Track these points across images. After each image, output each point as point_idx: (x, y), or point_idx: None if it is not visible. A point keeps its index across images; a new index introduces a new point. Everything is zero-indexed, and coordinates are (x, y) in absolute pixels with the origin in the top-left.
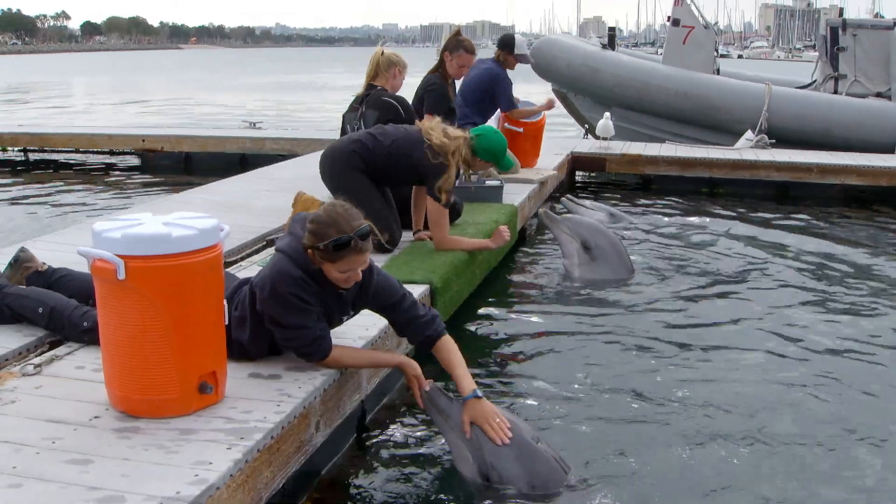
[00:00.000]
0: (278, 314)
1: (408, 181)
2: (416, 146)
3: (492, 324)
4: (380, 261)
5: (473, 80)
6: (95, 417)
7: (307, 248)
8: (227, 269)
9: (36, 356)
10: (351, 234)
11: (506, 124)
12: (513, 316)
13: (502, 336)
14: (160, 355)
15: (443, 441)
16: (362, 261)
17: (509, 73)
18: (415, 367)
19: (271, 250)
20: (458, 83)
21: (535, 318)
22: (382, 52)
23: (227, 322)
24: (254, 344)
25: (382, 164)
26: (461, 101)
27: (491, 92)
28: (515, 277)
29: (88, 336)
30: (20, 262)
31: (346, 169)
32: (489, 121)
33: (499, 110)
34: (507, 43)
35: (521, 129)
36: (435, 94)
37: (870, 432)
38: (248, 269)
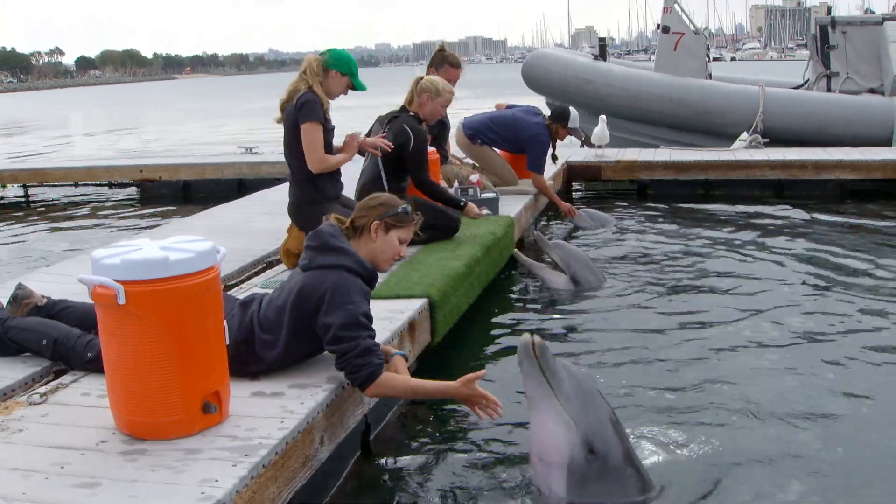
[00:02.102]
0: (341, 325)
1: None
2: None
3: (491, 336)
4: (379, 276)
5: (517, 126)
6: (102, 442)
7: (376, 220)
8: (228, 292)
9: (42, 385)
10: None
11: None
12: (512, 327)
13: (502, 347)
14: (162, 378)
15: (449, 454)
16: (412, 235)
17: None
18: (471, 388)
19: (272, 272)
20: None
21: (534, 329)
22: (422, 77)
23: (227, 342)
24: (287, 360)
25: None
26: (495, 123)
27: (525, 149)
28: (514, 289)
29: (93, 366)
30: (19, 299)
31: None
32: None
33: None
34: (560, 116)
35: None
36: None
37: (874, 424)
38: (249, 292)
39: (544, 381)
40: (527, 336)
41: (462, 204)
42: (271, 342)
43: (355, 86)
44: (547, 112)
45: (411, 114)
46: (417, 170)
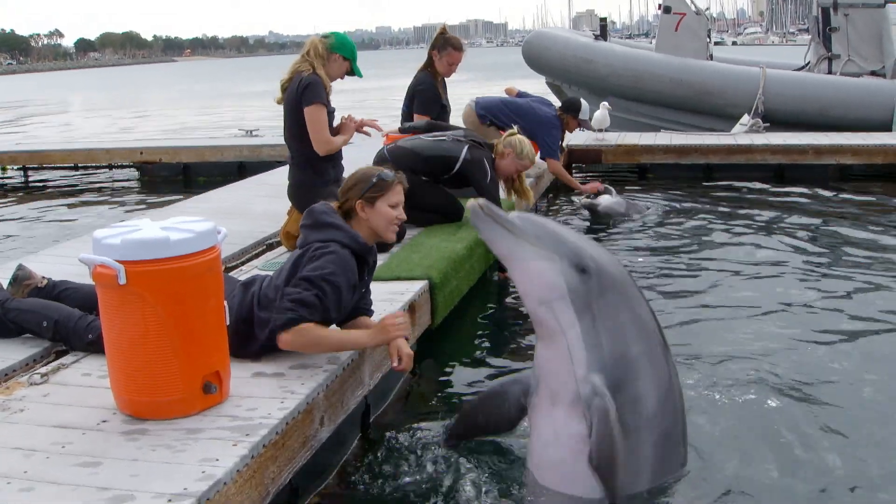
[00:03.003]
0: (318, 287)
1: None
2: None
3: (491, 317)
4: (379, 258)
5: (531, 113)
6: (103, 421)
7: (358, 199)
8: (229, 274)
9: (42, 366)
10: (384, 170)
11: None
12: (512, 309)
13: (502, 329)
14: (163, 357)
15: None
16: (403, 193)
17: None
18: (393, 335)
19: (272, 254)
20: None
21: None
22: (515, 133)
23: (227, 323)
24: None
25: None
26: (508, 107)
27: (537, 135)
28: None
29: (93, 347)
30: (19, 280)
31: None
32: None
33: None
34: (571, 107)
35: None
36: (425, 95)
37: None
38: (249, 273)
39: (507, 232)
40: (472, 202)
41: None
42: (266, 320)
43: (353, 71)
44: (557, 104)
45: (493, 156)
46: (495, 198)
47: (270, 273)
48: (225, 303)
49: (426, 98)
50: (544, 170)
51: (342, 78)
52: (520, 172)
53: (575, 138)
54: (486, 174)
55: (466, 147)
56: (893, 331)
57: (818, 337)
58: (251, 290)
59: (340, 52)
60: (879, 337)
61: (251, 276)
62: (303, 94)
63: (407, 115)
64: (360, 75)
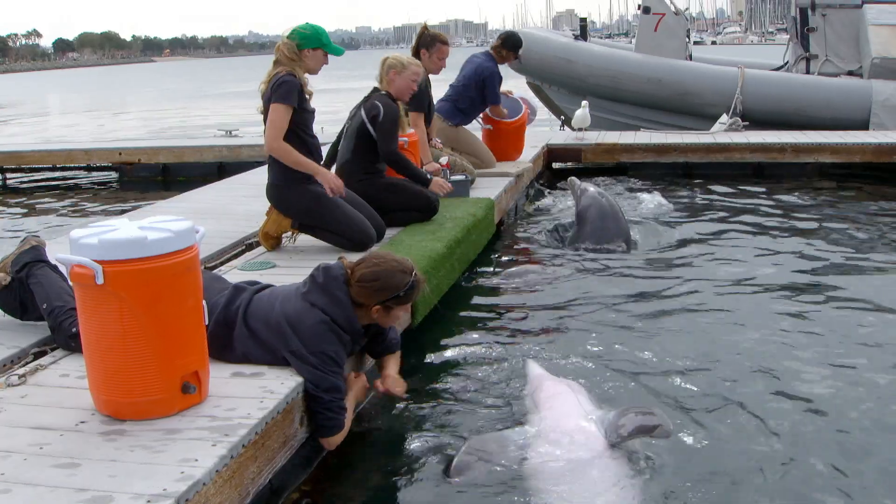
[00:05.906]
0: (319, 373)
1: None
2: None
3: (472, 316)
4: (358, 257)
5: (468, 76)
6: (81, 422)
7: (371, 305)
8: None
9: (20, 366)
10: (412, 275)
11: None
12: (492, 308)
13: (483, 327)
14: (141, 358)
15: (430, 435)
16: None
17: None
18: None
19: (251, 254)
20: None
21: (513, 310)
22: (388, 57)
23: (207, 323)
24: (263, 359)
25: None
26: (455, 92)
27: (481, 86)
28: (493, 270)
29: (75, 342)
30: None
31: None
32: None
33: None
34: (515, 45)
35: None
36: (420, 91)
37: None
38: (228, 274)
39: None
40: None
41: (429, 177)
42: (248, 336)
43: (332, 52)
44: (536, 103)
45: (383, 92)
46: (387, 141)
47: (257, 276)
48: (204, 303)
49: (420, 93)
50: (524, 168)
51: (326, 63)
52: (416, 82)
53: (555, 137)
54: (379, 111)
55: (360, 108)
56: (868, 328)
57: (792, 337)
58: (241, 297)
59: (309, 46)
60: (856, 333)
61: (249, 281)
62: (274, 91)
63: None
64: (339, 52)
